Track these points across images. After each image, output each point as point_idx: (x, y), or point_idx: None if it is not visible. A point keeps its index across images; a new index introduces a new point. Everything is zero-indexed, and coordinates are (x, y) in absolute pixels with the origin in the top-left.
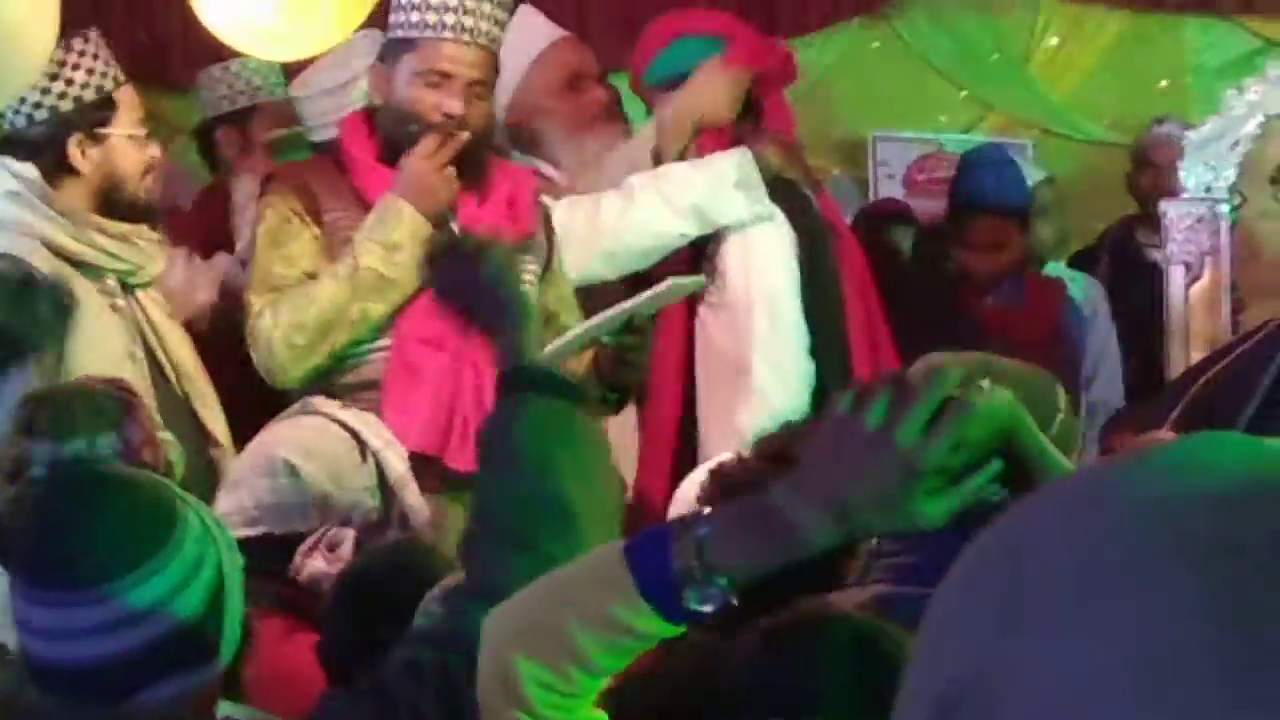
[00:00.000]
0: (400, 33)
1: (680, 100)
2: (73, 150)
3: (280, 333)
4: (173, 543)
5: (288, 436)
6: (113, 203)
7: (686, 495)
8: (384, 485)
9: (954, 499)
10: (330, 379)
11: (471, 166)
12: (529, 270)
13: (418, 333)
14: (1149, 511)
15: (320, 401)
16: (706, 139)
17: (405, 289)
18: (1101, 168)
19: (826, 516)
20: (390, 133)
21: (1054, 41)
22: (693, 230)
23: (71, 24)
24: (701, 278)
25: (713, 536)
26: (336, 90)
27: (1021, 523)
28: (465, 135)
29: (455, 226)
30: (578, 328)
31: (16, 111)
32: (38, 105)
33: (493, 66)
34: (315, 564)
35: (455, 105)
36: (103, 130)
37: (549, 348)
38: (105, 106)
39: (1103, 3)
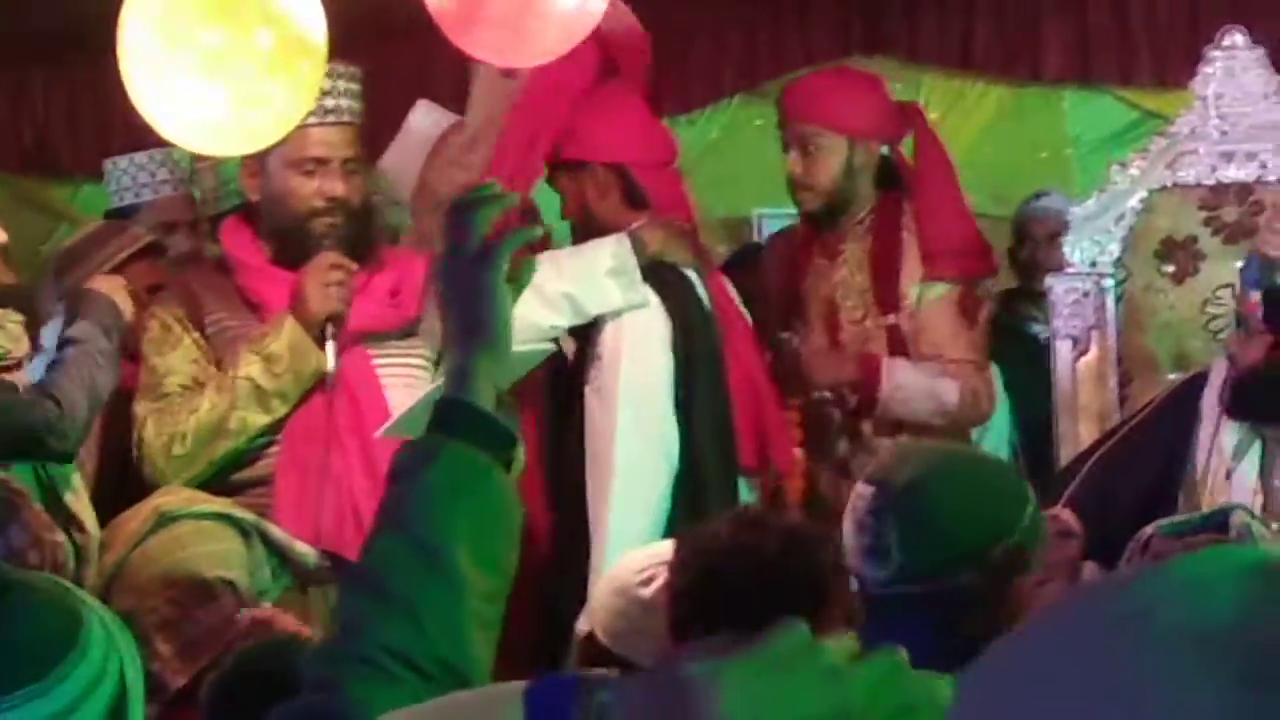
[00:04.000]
0: None
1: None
2: None
3: (161, 442)
4: (76, 650)
5: (196, 554)
6: None
7: (623, 585)
8: (274, 548)
9: None
10: (223, 476)
11: (358, 246)
12: (419, 357)
13: (301, 424)
14: (1173, 638)
15: (175, 506)
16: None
17: (286, 398)
18: None
19: None
20: (276, 227)
21: (934, 115)
22: (564, 320)
23: None
24: (546, 347)
25: (615, 706)
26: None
27: (1029, 654)
28: (355, 266)
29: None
30: (404, 412)
31: None
32: None
33: (359, 141)
34: None
35: (337, 188)
36: None
37: (384, 428)
38: None
39: (982, 77)
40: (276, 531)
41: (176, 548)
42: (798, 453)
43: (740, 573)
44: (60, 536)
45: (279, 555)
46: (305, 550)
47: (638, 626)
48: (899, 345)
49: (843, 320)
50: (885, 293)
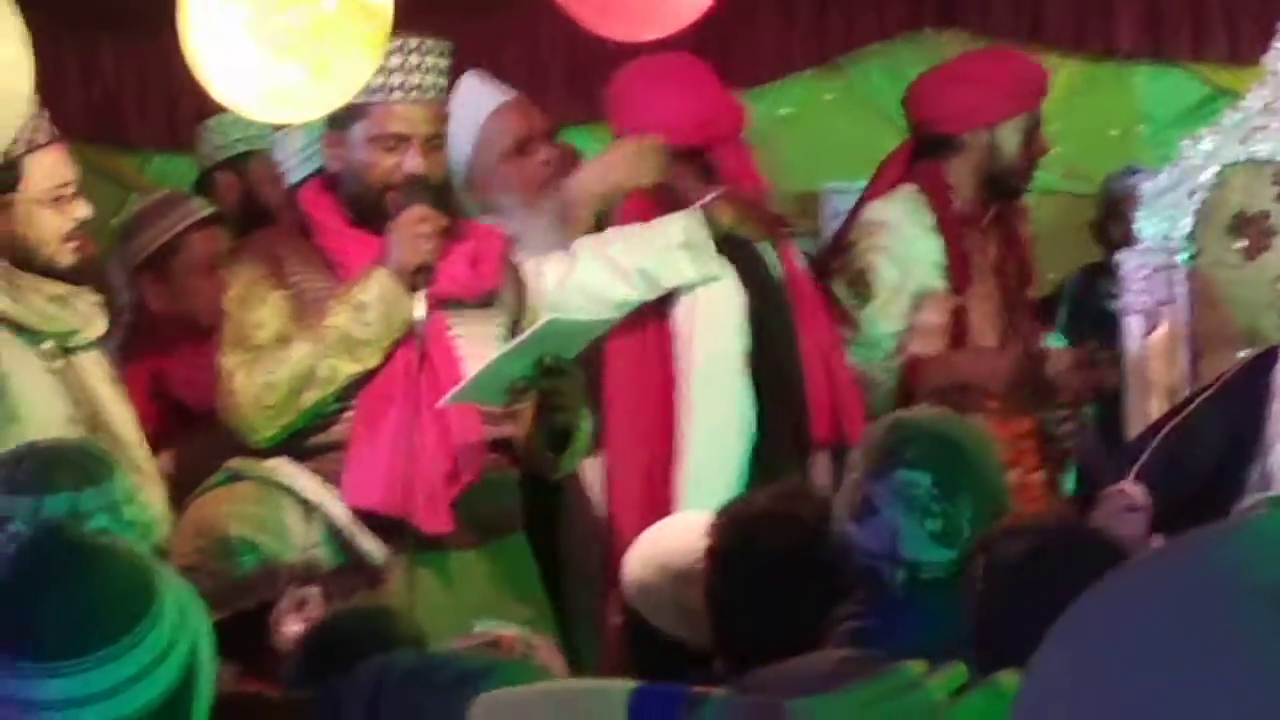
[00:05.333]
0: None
1: (582, 175)
2: None
3: (253, 392)
4: (149, 618)
5: (231, 511)
6: (28, 268)
7: (670, 545)
8: (336, 534)
9: None
10: (300, 440)
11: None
12: (496, 327)
13: (378, 388)
14: (1256, 594)
15: (246, 465)
16: (629, 205)
17: (376, 347)
18: (1055, 217)
19: None
20: (356, 198)
21: None
22: (637, 294)
23: None
24: (608, 318)
25: None
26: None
27: (1118, 607)
28: (444, 221)
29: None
30: (470, 378)
31: None
32: None
33: (443, 117)
34: (292, 628)
35: (417, 164)
36: (5, 196)
37: (450, 395)
38: (8, 171)
39: (1054, 51)
40: (344, 520)
41: (221, 501)
42: (1038, 477)
43: (775, 541)
44: (158, 495)
45: (343, 545)
46: (372, 550)
47: (663, 592)
48: (1034, 320)
49: (1011, 288)
50: (1028, 266)
